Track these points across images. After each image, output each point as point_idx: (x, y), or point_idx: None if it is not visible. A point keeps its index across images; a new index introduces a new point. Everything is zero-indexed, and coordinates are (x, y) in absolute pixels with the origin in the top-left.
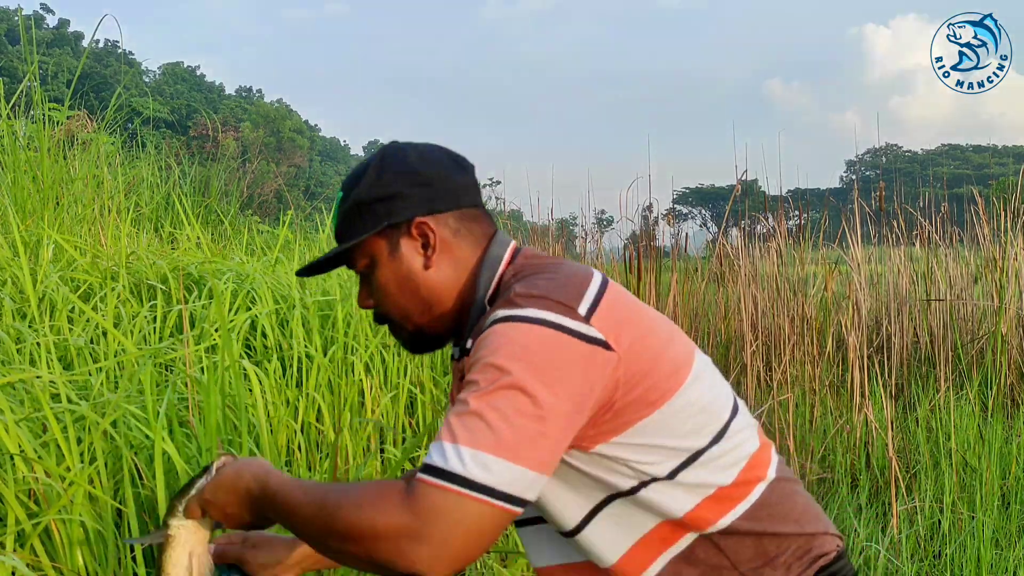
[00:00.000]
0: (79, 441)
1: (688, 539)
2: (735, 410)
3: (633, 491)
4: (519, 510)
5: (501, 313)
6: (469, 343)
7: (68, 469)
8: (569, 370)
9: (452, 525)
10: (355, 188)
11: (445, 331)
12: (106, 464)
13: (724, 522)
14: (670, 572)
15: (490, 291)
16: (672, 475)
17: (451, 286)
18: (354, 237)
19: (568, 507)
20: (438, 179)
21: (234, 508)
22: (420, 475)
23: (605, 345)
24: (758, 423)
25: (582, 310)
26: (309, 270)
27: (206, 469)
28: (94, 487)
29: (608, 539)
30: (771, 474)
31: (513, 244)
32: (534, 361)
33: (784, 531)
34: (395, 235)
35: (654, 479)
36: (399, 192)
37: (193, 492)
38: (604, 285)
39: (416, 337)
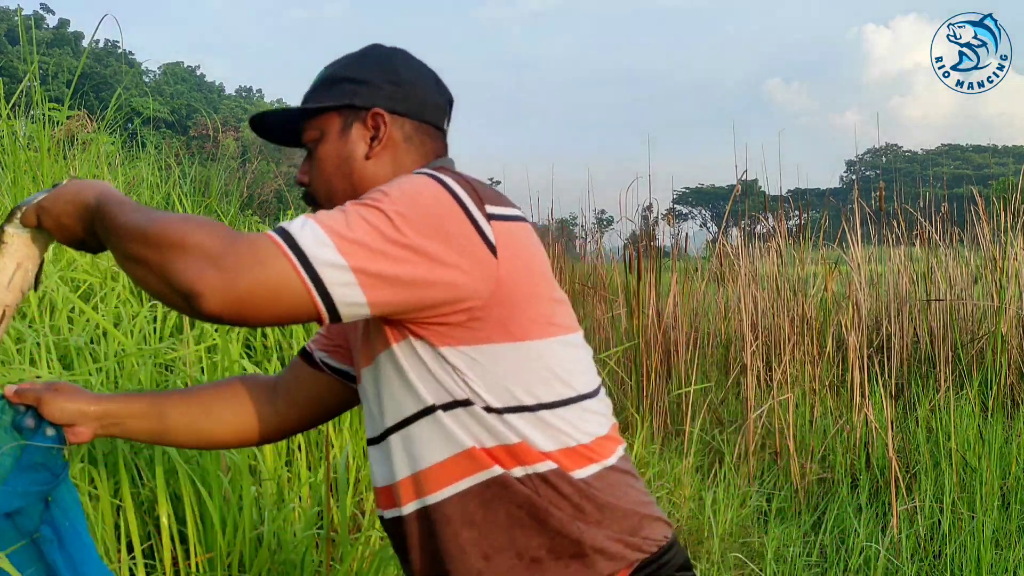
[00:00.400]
0: None
1: (499, 471)
2: (596, 394)
3: (461, 406)
4: (318, 299)
5: (421, 169)
6: None
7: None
8: (445, 235)
9: (253, 265)
10: (333, 66)
11: None
12: (106, 464)
13: (543, 467)
14: (475, 496)
15: None
16: (502, 411)
17: (382, 184)
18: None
19: (401, 397)
20: (411, 85)
21: (69, 219)
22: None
23: (491, 247)
24: (616, 422)
25: (490, 210)
26: (262, 125)
27: (55, 186)
28: (94, 487)
29: (419, 447)
30: (611, 461)
31: (458, 170)
32: (419, 207)
33: (610, 504)
34: (351, 117)
35: (487, 407)
36: (370, 80)
37: (34, 202)
38: (524, 220)
39: None
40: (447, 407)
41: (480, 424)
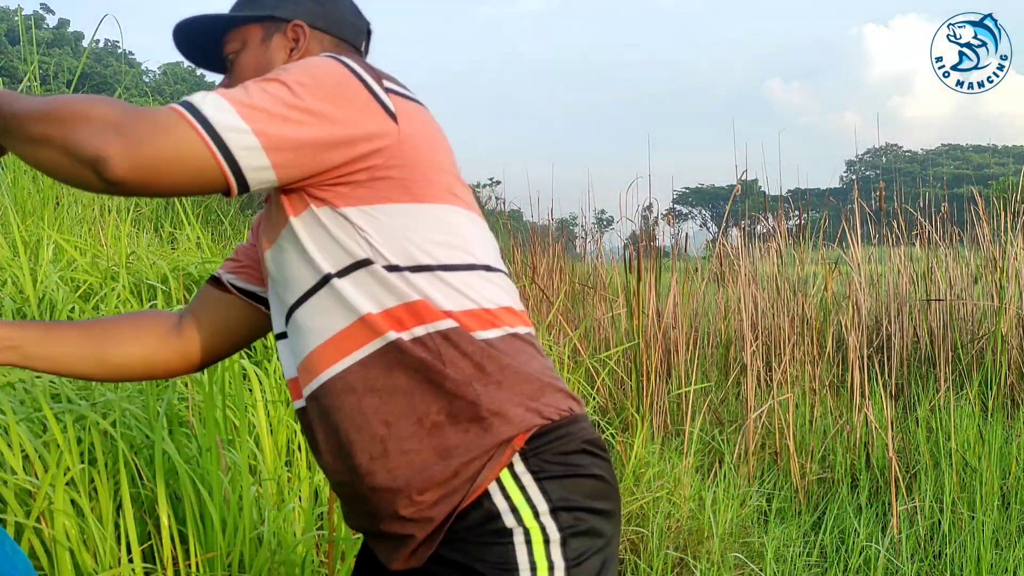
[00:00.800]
0: (79, 441)
1: (393, 335)
2: (501, 272)
3: (361, 267)
4: (224, 164)
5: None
6: None
7: (68, 469)
8: (343, 99)
9: (158, 133)
10: None
11: None
12: (106, 464)
13: (443, 325)
14: (374, 363)
15: None
16: (403, 269)
17: None
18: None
19: (303, 270)
20: (331, 4)
21: None
22: None
23: (391, 114)
24: (524, 308)
25: (387, 85)
26: (186, 45)
27: None
28: (94, 487)
29: (318, 320)
30: (517, 330)
31: None
32: (316, 77)
33: (512, 367)
34: (272, 29)
35: (387, 265)
36: None
37: None
38: (425, 107)
39: None
40: (344, 272)
41: (380, 284)
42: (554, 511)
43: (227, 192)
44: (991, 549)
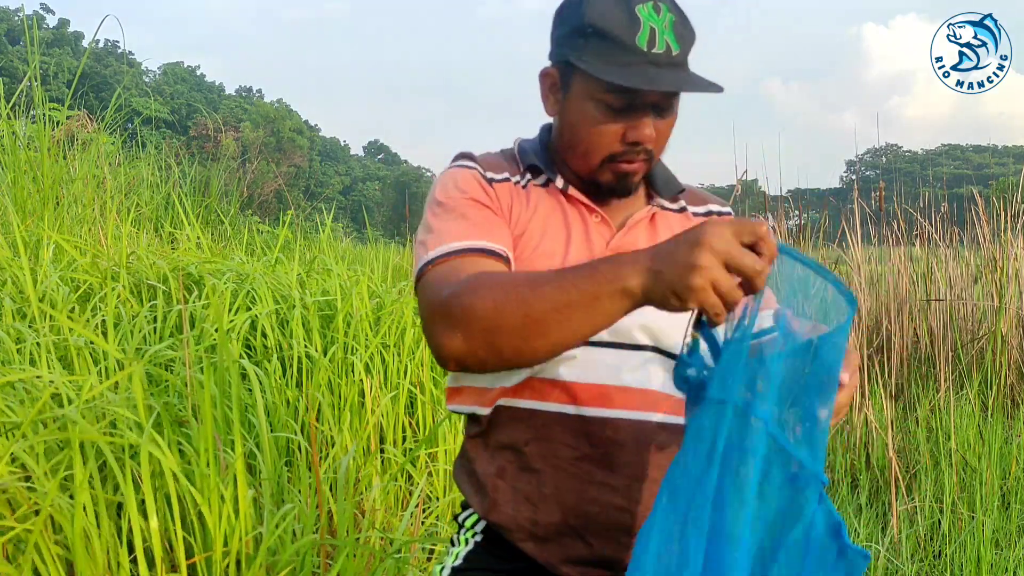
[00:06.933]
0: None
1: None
2: None
3: None
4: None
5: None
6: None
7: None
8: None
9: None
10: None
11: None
12: (106, 464)
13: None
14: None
15: None
16: None
17: None
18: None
19: None
20: None
21: None
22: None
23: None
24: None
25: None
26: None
27: None
28: (93, 487)
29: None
30: None
31: None
32: (440, 184)
33: None
34: None
35: None
36: None
37: None
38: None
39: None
40: None
41: None
42: None
43: None
44: (991, 549)
